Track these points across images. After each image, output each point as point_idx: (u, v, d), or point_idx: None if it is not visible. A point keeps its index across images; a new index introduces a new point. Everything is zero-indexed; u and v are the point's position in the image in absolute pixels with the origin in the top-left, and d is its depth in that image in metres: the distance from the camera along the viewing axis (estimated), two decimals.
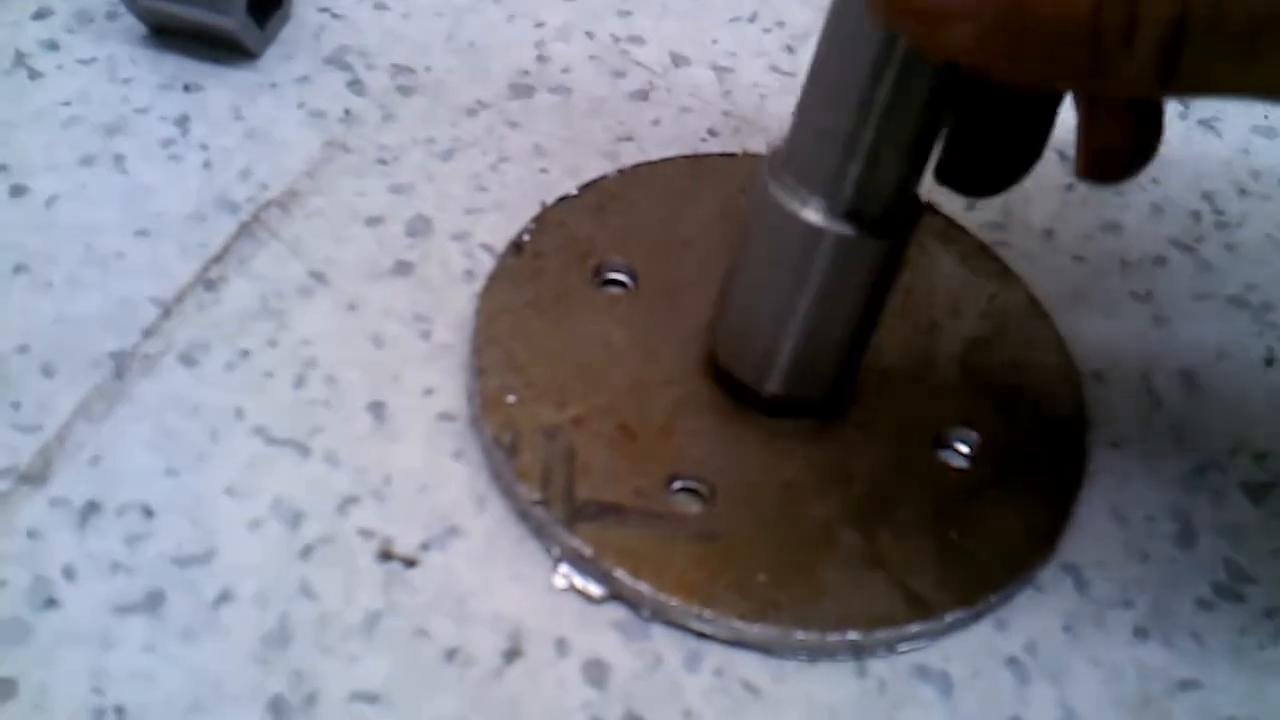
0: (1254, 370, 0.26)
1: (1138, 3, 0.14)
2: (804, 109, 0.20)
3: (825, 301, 0.21)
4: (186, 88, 0.28)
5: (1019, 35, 0.15)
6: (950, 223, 0.27)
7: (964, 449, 0.23)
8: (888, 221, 0.20)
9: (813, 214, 0.20)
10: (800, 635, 0.21)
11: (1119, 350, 0.26)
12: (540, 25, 0.31)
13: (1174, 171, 0.30)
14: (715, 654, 0.21)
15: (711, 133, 0.29)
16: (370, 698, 0.19)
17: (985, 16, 0.15)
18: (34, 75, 0.28)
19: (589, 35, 0.31)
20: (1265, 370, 0.26)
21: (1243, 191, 0.30)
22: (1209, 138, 0.31)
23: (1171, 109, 0.31)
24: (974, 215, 0.28)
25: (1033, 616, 0.22)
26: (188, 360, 0.23)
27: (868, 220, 0.20)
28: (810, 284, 0.21)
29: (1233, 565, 0.23)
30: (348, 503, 0.22)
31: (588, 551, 0.21)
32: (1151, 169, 0.29)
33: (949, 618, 0.21)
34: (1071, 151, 0.29)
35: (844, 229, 0.20)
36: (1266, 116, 0.31)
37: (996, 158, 0.21)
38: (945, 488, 0.23)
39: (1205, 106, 0.32)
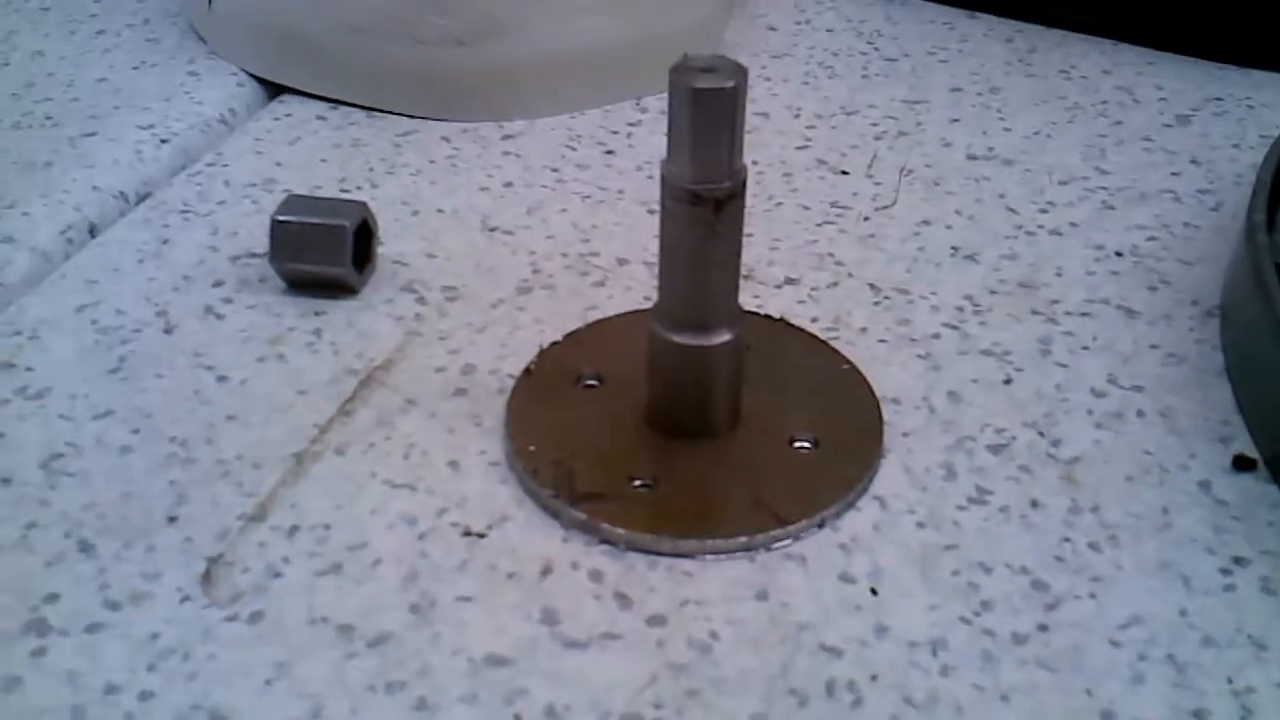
0: (993, 386, 0.41)
1: None
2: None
3: (700, 381, 0.37)
4: (316, 314, 0.45)
5: None
6: (798, 328, 0.43)
7: (807, 444, 0.38)
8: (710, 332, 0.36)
9: (679, 338, 0.36)
10: (711, 543, 0.35)
11: (909, 386, 0.41)
12: (533, 254, 0.48)
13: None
14: (664, 561, 0.35)
15: (646, 299, 0.45)
16: (468, 598, 0.34)
17: None
18: (219, 317, 0.45)
19: (564, 255, 0.48)
20: (1004, 387, 0.41)
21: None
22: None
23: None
24: (817, 325, 0.44)
25: (854, 523, 0.36)
26: (339, 451, 0.39)
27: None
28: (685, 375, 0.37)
29: (980, 487, 0.37)
30: (441, 512, 0.37)
31: (584, 518, 0.36)
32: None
33: (804, 523, 0.36)
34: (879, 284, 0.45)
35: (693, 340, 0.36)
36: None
37: None
38: (797, 462, 0.38)
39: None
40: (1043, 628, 0.33)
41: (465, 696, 0.31)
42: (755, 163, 0.54)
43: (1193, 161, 0.55)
